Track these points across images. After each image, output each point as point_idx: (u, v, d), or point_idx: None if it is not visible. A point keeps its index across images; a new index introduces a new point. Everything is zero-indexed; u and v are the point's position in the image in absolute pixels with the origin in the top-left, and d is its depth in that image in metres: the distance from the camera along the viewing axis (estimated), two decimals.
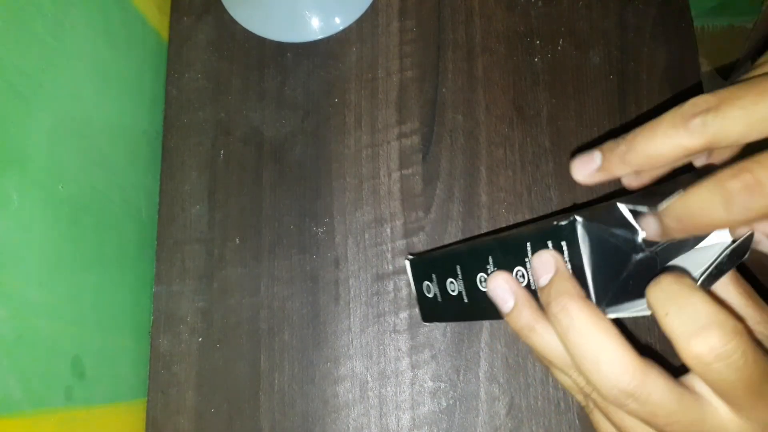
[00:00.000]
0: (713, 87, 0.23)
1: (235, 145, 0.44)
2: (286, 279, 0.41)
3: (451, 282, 0.31)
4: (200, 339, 0.41)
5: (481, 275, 0.29)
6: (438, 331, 0.40)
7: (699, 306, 0.21)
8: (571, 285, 0.23)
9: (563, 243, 0.24)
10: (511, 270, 0.26)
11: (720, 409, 0.22)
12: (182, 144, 0.44)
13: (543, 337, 0.25)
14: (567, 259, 0.24)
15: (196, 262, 0.42)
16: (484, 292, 0.28)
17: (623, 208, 0.24)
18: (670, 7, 0.44)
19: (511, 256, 0.26)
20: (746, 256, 0.26)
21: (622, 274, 0.23)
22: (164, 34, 0.48)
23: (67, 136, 0.36)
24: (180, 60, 0.46)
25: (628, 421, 0.24)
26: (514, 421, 0.38)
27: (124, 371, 0.40)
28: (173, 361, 0.40)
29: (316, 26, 0.45)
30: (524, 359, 0.39)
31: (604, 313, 0.23)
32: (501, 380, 0.39)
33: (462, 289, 0.30)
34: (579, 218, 0.23)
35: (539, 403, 0.38)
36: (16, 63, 0.31)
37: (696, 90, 0.43)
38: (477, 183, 0.42)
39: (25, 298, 0.31)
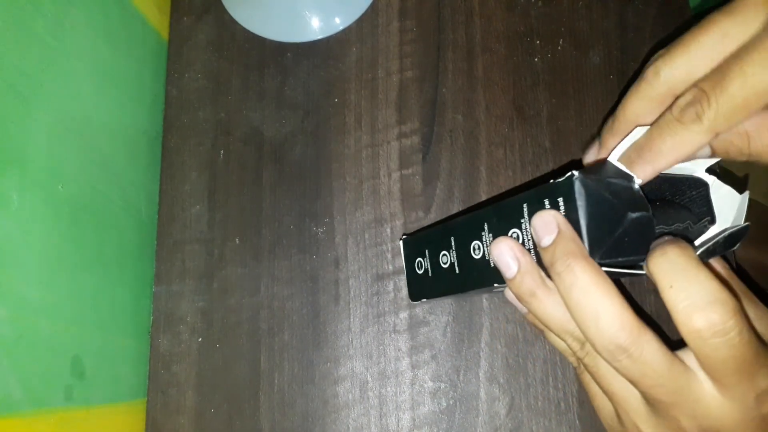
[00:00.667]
0: None
1: (235, 145, 0.44)
2: (286, 279, 0.41)
3: (444, 254, 0.31)
4: (200, 339, 0.41)
5: (475, 243, 0.29)
6: (438, 331, 0.40)
7: (704, 282, 0.21)
8: (574, 245, 0.23)
9: (560, 200, 0.24)
10: (506, 234, 0.26)
11: (705, 384, 0.23)
12: (182, 144, 0.44)
13: (543, 302, 0.25)
14: (564, 214, 0.24)
15: (196, 262, 0.42)
16: (477, 260, 0.28)
17: (615, 161, 0.25)
18: (670, 7, 0.44)
19: (505, 221, 0.27)
20: (737, 246, 0.27)
21: (617, 230, 0.24)
22: (164, 34, 0.48)
23: (67, 136, 0.36)
24: (180, 60, 0.46)
25: (616, 384, 0.25)
26: (514, 421, 0.38)
27: (124, 371, 0.40)
28: (173, 361, 0.40)
29: (316, 26, 0.45)
30: (524, 359, 0.39)
31: (597, 263, 0.23)
32: (501, 380, 0.39)
33: (454, 260, 0.30)
34: (576, 173, 0.24)
35: (539, 403, 0.38)
36: (16, 63, 0.31)
37: None
38: (477, 183, 0.42)
39: (25, 298, 0.31)
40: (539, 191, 0.25)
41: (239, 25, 0.46)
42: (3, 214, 0.30)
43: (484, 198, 0.42)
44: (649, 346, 0.22)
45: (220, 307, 0.41)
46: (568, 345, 0.26)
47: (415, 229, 0.41)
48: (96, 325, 0.38)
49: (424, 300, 0.35)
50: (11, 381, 0.30)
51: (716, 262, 0.28)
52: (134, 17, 0.45)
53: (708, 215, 0.27)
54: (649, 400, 0.24)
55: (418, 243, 0.35)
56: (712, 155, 0.25)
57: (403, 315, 0.40)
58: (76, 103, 0.37)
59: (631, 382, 0.23)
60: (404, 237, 0.37)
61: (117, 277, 0.41)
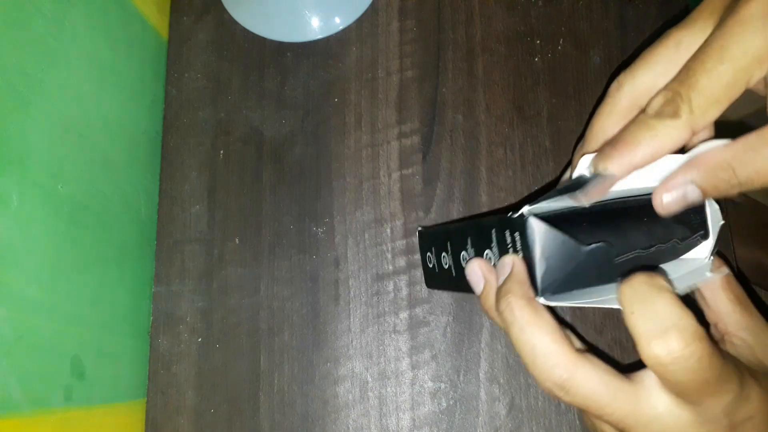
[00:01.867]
0: None
1: (235, 145, 0.44)
2: (286, 279, 0.41)
3: (444, 256, 0.32)
4: (200, 339, 0.41)
5: (463, 253, 0.30)
6: (438, 331, 0.40)
7: (663, 308, 0.21)
8: (518, 286, 0.24)
9: (516, 234, 0.25)
10: (483, 250, 0.28)
11: (662, 400, 0.23)
12: (182, 144, 0.44)
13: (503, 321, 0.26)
14: (520, 248, 0.25)
15: (195, 262, 0.42)
16: (464, 268, 0.30)
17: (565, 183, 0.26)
18: (670, 7, 0.44)
19: (482, 240, 0.28)
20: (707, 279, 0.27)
21: (571, 264, 0.24)
22: (164, 34, 0.48)
23: (67, 136, 0.36)
24: (180, 60, 0.46)
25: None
26: (515, 421, 0.38)
27: (124, 371, 0.40)
28: (173, 362, 0.40)
29: (316, 26, 0.45)
30: None
31: (550, 299, 0.24)
32: (501, 380, 0.39)
33: (451, 263, 0.31)
34: (527, 210, 0.24)
35: (539, 403, 0.38)
36: (16, 63, 0.31)
37: None
38: (477, 183, 0.42)
39: (25, 298, 0.31)
40: (502, 221, 0.26)
41: (239, 25, 0.46)
42: (3, 214, 0.30)
43: (484, 198, 0.42)
44: (585, 378, 0.23)
45: (219, 307, 0.41)
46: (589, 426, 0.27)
47: (428, 224, 0.41)
48: (96, 325, 0.38)
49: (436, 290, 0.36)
50: (11, 381, 0.30)
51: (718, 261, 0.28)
52: (134, 17, 0.45)
53: (702, 229, 0.27)
54: (614, 427, 0.24)
55: (429, 238, 0.35)
56: (705, 198, 0.25)
57: (403, 315, 0.40)
58: (76, 103, 0.37)
59: (582, 411, 0.24)
60: (420, 229, 0.36)
61: (117, 277, 0.41)
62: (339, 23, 0.45)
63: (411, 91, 0.44)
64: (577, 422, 0.38)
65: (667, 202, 0.24)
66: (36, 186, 0.33)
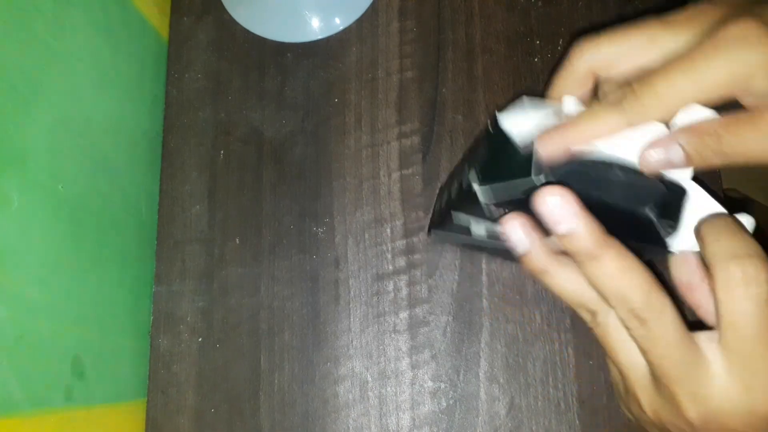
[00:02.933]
0: None
1: (235, 145, 0.44)
2: (286, 279, 0.41)
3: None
4: (200, 339, 0.41)
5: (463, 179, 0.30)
6: (438, 331, 0.40)
7: (748, 240, 0.22)
8: (594, 232, 0.23)
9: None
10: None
11: (715, 367, 0.23)
12: (182, 144, 0.44)
13: (554, 278, 0.26)
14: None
15: (196, 262, 0.42)
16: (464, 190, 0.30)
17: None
18: (670, 7, 0.44)
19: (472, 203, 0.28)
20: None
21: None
22: (164, 34, 0.48)
23: (67, 136, 0.36)
24: (180, 60, 0.46)
25: (622, 355, 0.25)
26: (514, 421, 0.38)
27: (124, 371, 0.40)
28: (173, 361, 0.40)
29: (316, 26, 0.45)
30: (524, 359, 0.39)
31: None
32: (501, 380, 0.39)
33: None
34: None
35: (539, 403, 0.38)
36: (16, 63, 0.31)
37: None
38: None
39: (25, 298, 0.31)
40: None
41: (239, 25, 0.46)
42: (3, 214, 0.30)
43: None
44: (668, 313, 0.23)
45: (220, 307, 0.41)
46: (581, 316, 0.26)
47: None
48: (96, 325, 0.38)
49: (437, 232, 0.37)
50: (11, 381, 0.30)
51: None
52: (134, 17, 0.45)
53: (673, 221, 0.26)
54: (655, 373, 0.24)
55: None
56: (688, 164, 0.25)
57: (403, 315, 0.40)
58: (76, 103, 0.37)
59: (642, 350, 0.24)
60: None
61: (117, 277, 0.41)
62: (339, 23, 0.45)
63: (411, 91, 0.44)
64: (577, 422, 0.38)
65: (650, 160, 0.24)
66: (36, 186, 0.33)
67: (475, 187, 0.27)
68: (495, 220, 0.29)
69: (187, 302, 0.41)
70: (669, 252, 0.26)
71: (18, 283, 0.31)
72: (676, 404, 0.23)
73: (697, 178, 0.26)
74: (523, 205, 0.25)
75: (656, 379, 0.24)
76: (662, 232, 0.26)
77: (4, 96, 0.30)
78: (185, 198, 0.43)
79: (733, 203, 0.27)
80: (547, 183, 0.24)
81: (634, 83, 0.24)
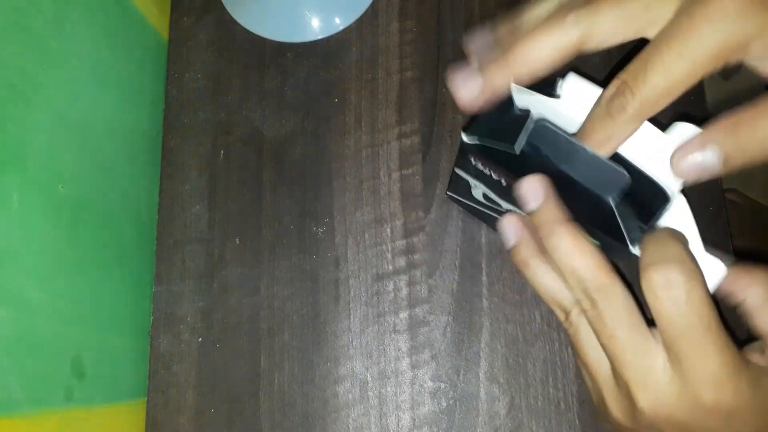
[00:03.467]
0: (713, 86, 0.23)
1: (235, 145, 0.44)
2: (286, 279, 0.41)
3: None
4: (200, 339, 0.41)
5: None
6: (438, 331, 0.40)
7: (675, 248, 0.23)
8: (558, 212, 0.26)
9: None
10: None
11: (659, 355, 0.23)
12: (182, 144, 0.44)
13: (534, 271, 0.28)
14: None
15: (196, 262, 0.42)
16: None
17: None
18: None
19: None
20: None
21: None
22: (164, 34, 0.48)
23: (67, 136, 0.36)
24: (180, 60, 0.46)
25: (591, 355, 0.26)
26: (514, 421, 0.38)
27: (124, 371, 0.40)
28: (173, 361, 0.40)
29: (316, 26, 0.45)
30: (524, 359, 0.39)
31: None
32: (501, 380, 0.39)
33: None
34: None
35: (539, 403, 0.38)
36: (16, 63, 0.31)
37: (697, 89, 0.43)
38: None
39: (25, 298, 0.31)
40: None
41: (239, 25, 0.46)
42: (3, 214, 0.30)
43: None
44: (618, 295, 0.24)
45: (220, 307, 0.41)
46: (557, 315, 0.28)
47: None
48: (96, 325, 0.38)
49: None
50: (11, 381, 0.30)
51: None
52: (134, 17, 0.45)
53: (644, 223, 0.25)
54: (612, 363, 0.25)
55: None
56: (725, 167, 0.23)
57: (403, 315, 0.40)
58: (76, 103, 0.37)
59: (596, 332, 0.25)
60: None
61: (117, 277, 0.41)
62: (339, 23, 0.45)
63: (411, 91, 0.44)
64: (577, 422, 0.38)
65: (685, 167, 0.23)
66: (36, 186, 0.33)
67: (463, 136, 0.29)
68: (480, 178, 0.32)
69: (187, 302, 0.41)
70: (630, 253, 0.26)
71: (18, 283, 0.31)
72: (629, 394, 0.24)
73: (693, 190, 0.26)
74: (501, 165, 0.28)
75: (614, 370, 0.25)
76: (624, 228, 0.25)
77: (4, 96, 0.30)
78: (185, 198, 0.43)
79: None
80: (522, 153, 0.27)
81: (630, 83, 0.23)
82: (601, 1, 0.24)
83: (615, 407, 0.26)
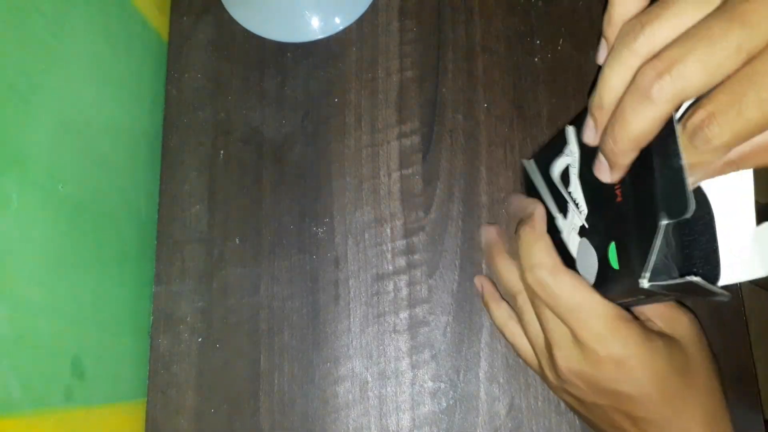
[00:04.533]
0: None
1: (235, 145, 0.44)
2: (286, 279, 0.41)
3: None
4: (200, 339, 0.41)
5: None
6: (438, 331, 0.40)
7: (538, 250, 0.31)
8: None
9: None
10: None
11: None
12: (182, 144, 0.44)
13: (497, 261, 0.36)
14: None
15: (196, 262, 0.42)
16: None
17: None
18: None
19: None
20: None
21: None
22: (164, 34, 0.48)
23: (67, 136, 0.36)
24: (180, 60, 0.46)
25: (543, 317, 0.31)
26: (514, 421, 0.38)
27: (124, 371, 0.40)
28: (173, 361, 0.40)
29: (316, 26, 0.45)
30: None
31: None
32: (501, 380, 0.39)
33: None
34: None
35: (539, 403, 0.38)
36: (16, 63, 0.31)
37: None
38: (477, 183, 0.42)
39: (25, 298, 0.31)
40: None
41: (239, 25, 0.46)
42: (3, 214, 0.30)
43: (484, 198, 0.42)
44: (565, 276, 0.29)
45: (220, 307, 0.41)
46: (511, 304, 0.35)
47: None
48: (96, 325, 0.38)
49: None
50: (11, 381, 0.30)
51: None
52: (134, 17, 0.45)
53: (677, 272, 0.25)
54: (545, 337, 0.31)
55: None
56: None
57: (403, 315, 0.40)
58: (76, 103, 0.37)
59: (550, 307, 0.30)
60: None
61: (117, 277, 0.41)
62: (339, 23, 0.45)
63: (411, 91, 0.44)
64: (577, 422, 0.38)
65: None
66: (36, 186, 0.33)
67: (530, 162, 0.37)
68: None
69: (186, 302, 0.41)
70: (634, 280, 0.25)
71: (18, 283, 0.31)
72: (552, 357, 0.31)
73: None
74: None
75: (545, 340, 0.31)
76: (653, 253, 0.24)
77: (4, 96, 0.30)
78: (185, 198, 0.43)
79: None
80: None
81: (717, 112, 0.21)
82: (680, 63, 0.21)
83: (547, 369, 0.32)
